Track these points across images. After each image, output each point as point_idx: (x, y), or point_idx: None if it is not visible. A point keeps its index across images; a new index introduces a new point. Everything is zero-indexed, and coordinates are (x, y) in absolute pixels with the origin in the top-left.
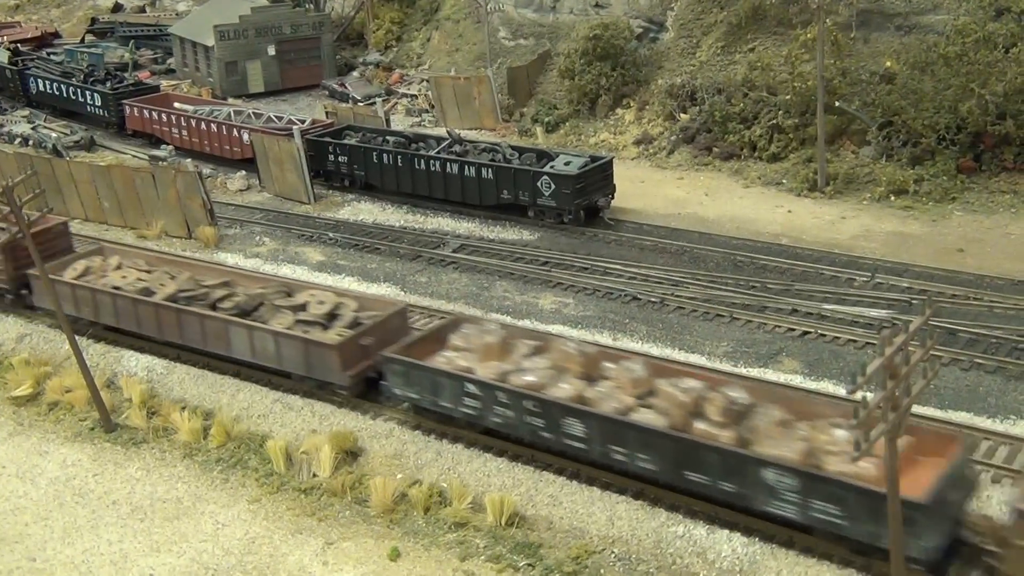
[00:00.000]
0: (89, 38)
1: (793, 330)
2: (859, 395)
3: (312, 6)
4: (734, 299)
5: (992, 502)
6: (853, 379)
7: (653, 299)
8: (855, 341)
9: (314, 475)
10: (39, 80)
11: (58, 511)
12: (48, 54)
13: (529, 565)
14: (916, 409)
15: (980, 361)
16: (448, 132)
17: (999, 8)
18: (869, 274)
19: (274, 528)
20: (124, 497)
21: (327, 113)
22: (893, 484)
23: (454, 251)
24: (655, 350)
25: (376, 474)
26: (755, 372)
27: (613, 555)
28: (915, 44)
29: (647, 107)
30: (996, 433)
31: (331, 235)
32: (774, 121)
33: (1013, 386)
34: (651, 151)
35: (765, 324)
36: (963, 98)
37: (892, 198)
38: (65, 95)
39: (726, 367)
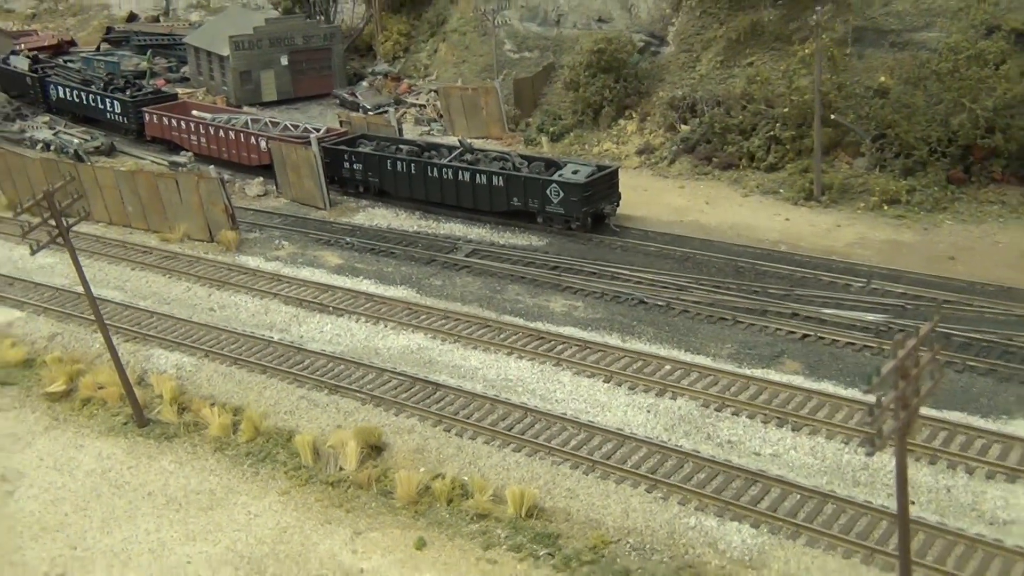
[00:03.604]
0: (104, 47)
1: (793, 333)
2: (872, 396)
3: (323, 18)
4: (737, 303)
5: None
6: (868, 380)
7: (659, 303)
8: (853, 344)
9: (341, 468)
10: (59, 87)
11: (96, 502)
12: (65, 62)
13: (549, 554)
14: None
15: (973, 364)
16: (460, 141)
17: (990, 26)
18: (865, 280)
19: (304, 518)
20: (159, 488)
21: (341, 122)
22: (902, 479)
23: (467, 256)
24: (662, 351)
25: (400, 467)
26: (758, 373)
27: (629, 545)
28: (908, 60)
29: (649, 118)
30: (988, 431)
31: (347, 239)
32: (772, 133)
33: (1004, 387)
34: (653, 160)
35: (767, 327)
36: (954, 112)
37: (885, 207)
38: (85, 102)
39: (730, 368)
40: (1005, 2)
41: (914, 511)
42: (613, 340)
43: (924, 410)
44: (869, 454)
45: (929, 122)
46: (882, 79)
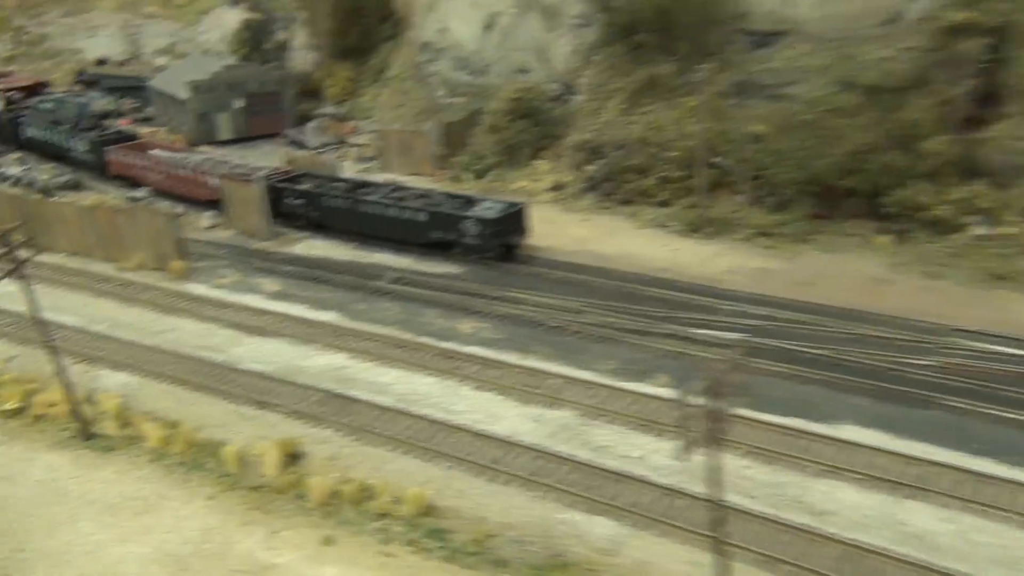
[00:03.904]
0: (76, 88)
1: (669, 351)
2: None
3: (277, 64)
4: (623, 324)
5: None
6: (682, 395)
7: (556, 324)
8: (711, 360)
9: (262, 475)
10: (31, 127)
11: (42, 509)
12: (38, 102)
13: (440, 547)
14: (762, 416)
15: (814, 376)
16: (388, 182)
17: (847, 83)
18: (734, 303)
19: (227, 520)
20: (99, 496)
21: (288, 161)
22: (716, 483)
23: (390, 283)
24: (554, 368)
25: (315, 474)
26: (633, 386)
27: (508, 538)
28: (780, 111)
29: (560, 158)
30: (821, 435)
31: (286, 268)
32: (664, 173)
33: (838, 397)
34: (562, 196)
35: (647, 346)
36: (816, 157)
37: (758, 239)
38: (54, 141)
39: (610, 381)
40: (865, 62)
41: (750, 504)
42: (512, 358)
43: (769, 416)
44: (681, 459)
45: (796, 165)
46: (758, 127)
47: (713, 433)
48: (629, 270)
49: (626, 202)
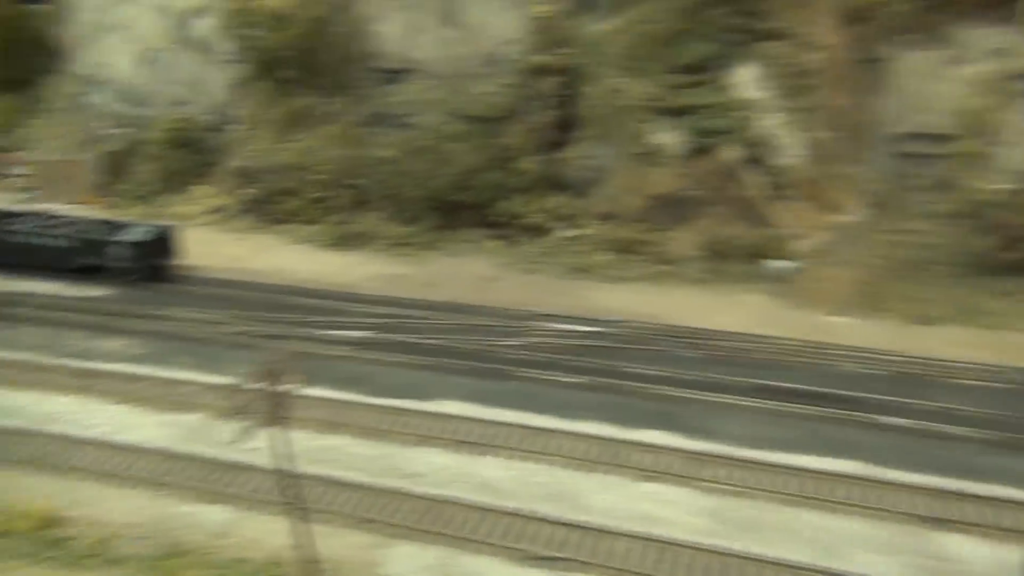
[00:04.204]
0: None
1: (300, 351)
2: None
3: None
4: (263, 331)
5: None
6: (241, 380)
7: (200, 336)
8: (341, 356)
9: None
10: None
11: None
12: None
13: (60, 555)
14: (374, 400)
15: (426, 363)
16: (41, 211)
17: (458, 114)
18: (367, 305)
19: None
20: None
21: None
22: (284, 458)
23: (35, 308)
24: (193, 376)
25: None
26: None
27: (129, 537)
28: (406, 138)
29: (219, 183)
30: (419, 411)
31: None
32: (312, 194)
33: (444, 378)
34: (221, 218)
35: (282, 348)
36: (435, 177)
37: (394, 248)
38: None
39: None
40: (472, 96)
41: (352, 476)
42: (153, 371)
43: (380, 400)
44: (238, 441)
45: (420, 184)
46: (388, 152)
47: (274, 414)
48: (277, 283)
49: (279, 222)
